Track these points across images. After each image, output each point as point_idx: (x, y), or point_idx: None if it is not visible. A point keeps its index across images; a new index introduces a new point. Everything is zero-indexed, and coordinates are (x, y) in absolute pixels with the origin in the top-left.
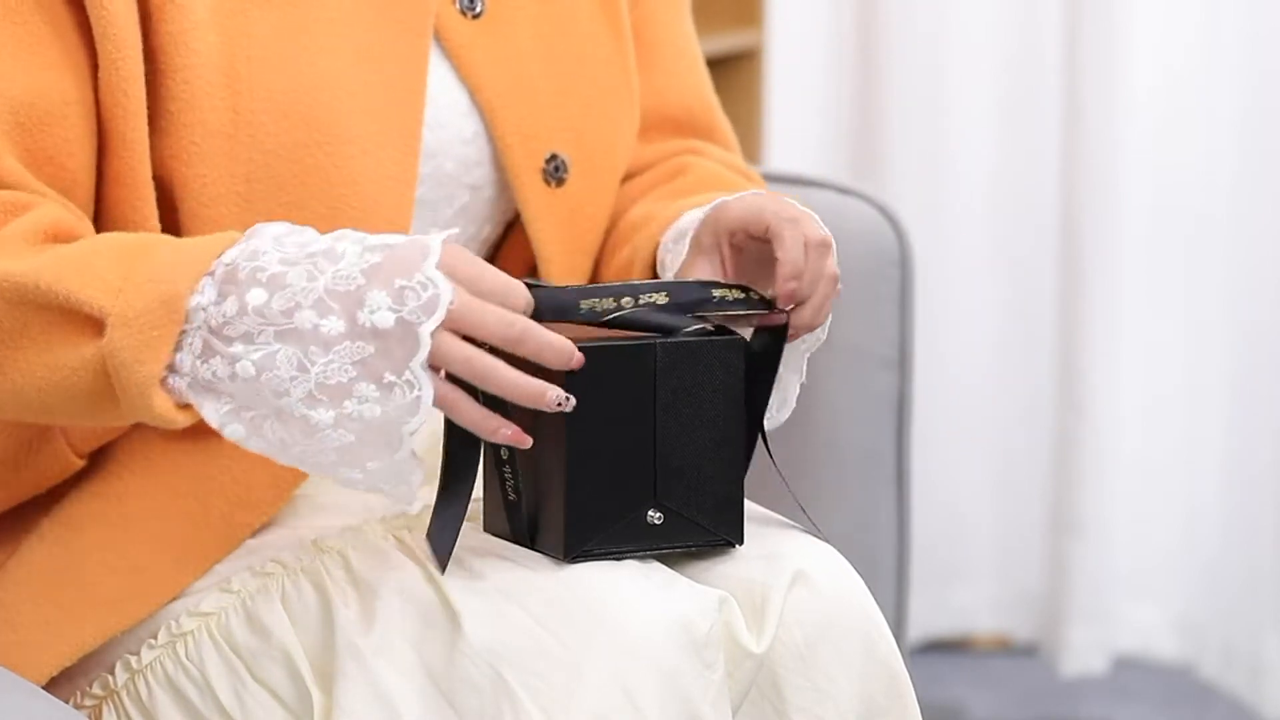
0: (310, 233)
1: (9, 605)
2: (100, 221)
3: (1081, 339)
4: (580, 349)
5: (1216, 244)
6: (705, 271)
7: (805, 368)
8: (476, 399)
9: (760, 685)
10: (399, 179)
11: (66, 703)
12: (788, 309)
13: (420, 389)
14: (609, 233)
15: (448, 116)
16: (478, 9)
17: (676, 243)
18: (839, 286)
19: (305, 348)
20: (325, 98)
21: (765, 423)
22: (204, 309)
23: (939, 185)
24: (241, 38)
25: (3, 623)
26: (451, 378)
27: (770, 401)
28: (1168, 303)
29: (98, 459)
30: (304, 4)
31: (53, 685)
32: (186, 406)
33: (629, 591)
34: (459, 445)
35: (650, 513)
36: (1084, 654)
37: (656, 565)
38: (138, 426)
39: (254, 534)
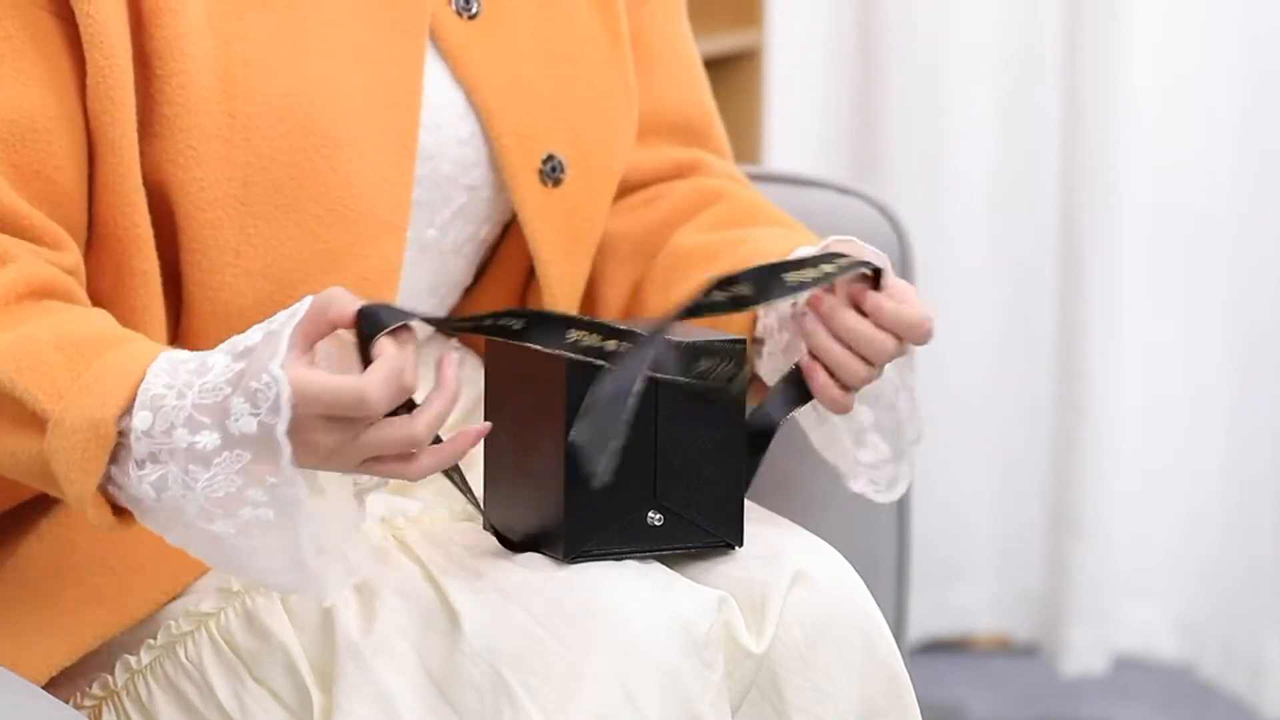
0: (187, 353)
1: (8, 605)
2: (92, 229)
3: (1081, 339)
4: (582, 364)
5: (1216, 244)
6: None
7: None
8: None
9: (760, 685)
10: (396, 181)
11: (66, 703)
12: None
13: (295, 486)
14: (650, 262)
15: (444, 118)
16: (474, 9)
17: (781, 329)
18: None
19: (185, 466)
20: (321, 101)
21: (911, 442)
22: (134, 431)
23: (939, 185)
24: (237, 41)
25: (2, 622)
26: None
27: (906, 424)
28: (1168, 303)
29: None
30: (299, 7)
31: (53, 685)
32: (127, 512)
33: (629, 592)
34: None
35: (650, 514)
36: (1084, 654)
37: (656, 565)
38: None
39: None
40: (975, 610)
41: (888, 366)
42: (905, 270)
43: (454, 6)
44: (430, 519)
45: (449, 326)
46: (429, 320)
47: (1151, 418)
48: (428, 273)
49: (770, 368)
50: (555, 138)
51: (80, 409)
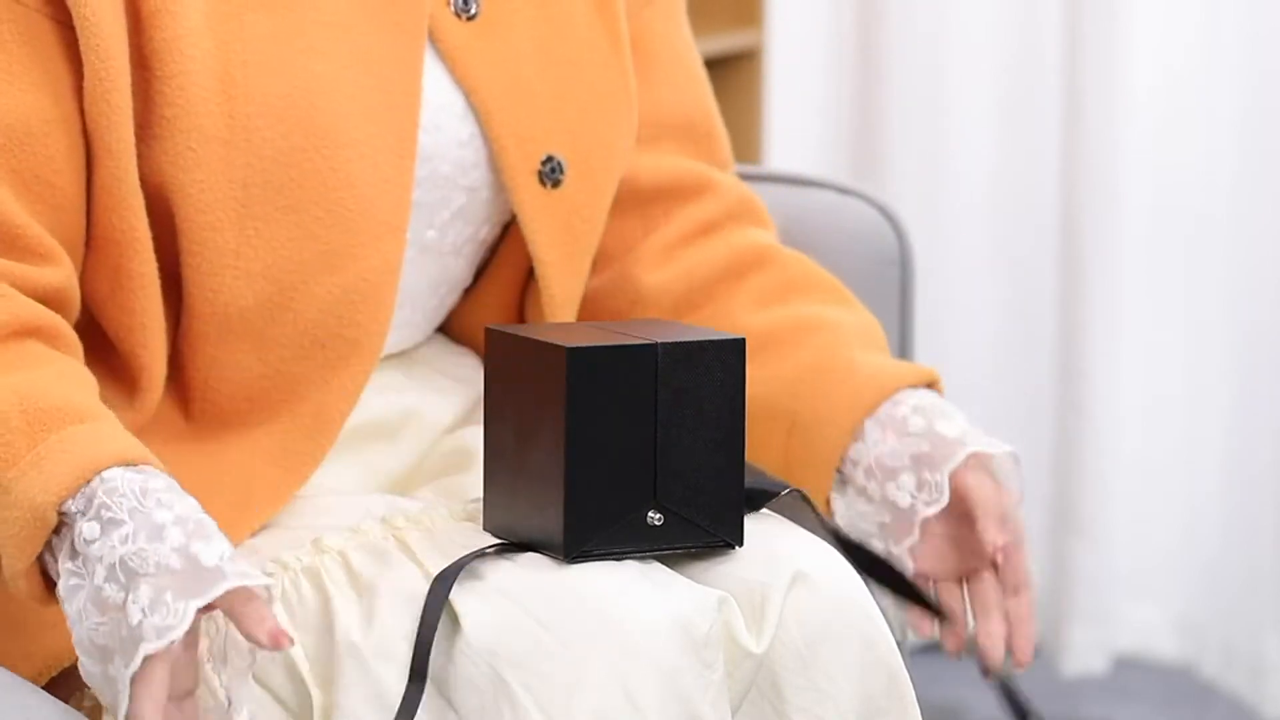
0: (174, 496)
1: (8, 605)
2: (89, 232)
3: (1081, 339)
4: (583, 349)
5: (1216, 244)
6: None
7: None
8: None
9: (760, 685)
10: (395, 182)
11: (66, 702)
12: None
13: (122, 691)
14: (694, 318)
15: (443, 119)
16: (472, 11)
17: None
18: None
19: (85, 604)
20: (321, 102)
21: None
22: (74, 519)
23: (939, 185)
24: (236, 43)
25: (2, 622)
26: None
27: None
28: (1168, 303)
29: None
30: (298, 8)
31: (53, 685)
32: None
33: (629, 591)
34: None
35: (650, 513)
36: (1084, 654)
37: (656, 565)
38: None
39: (254, 534)
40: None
41: None
42: (905, 270)
43: (453, 8)
44: (430, 519)
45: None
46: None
47: (1151, 418)
48: (427, 273)
49: (846, 507)
50: (554, 139)
51: (25, 485)
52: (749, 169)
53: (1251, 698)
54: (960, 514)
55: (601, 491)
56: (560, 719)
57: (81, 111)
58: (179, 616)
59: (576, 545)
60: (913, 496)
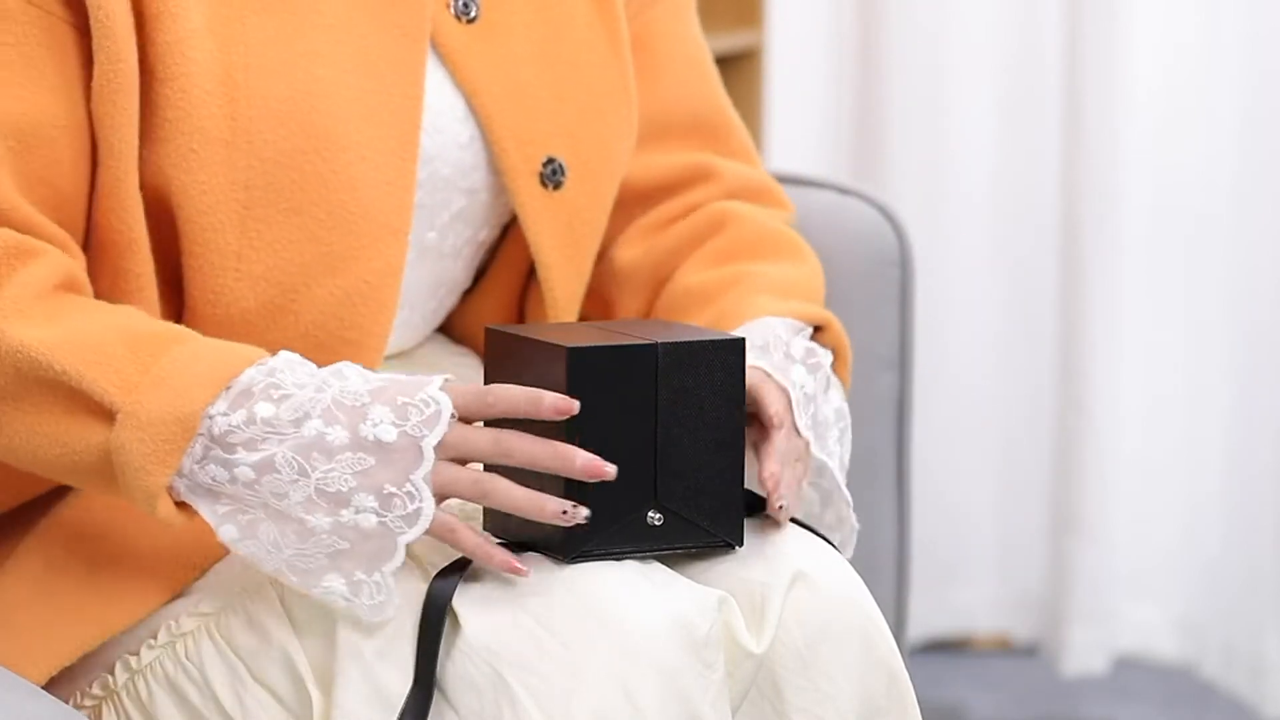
0: (312, 364)
1: (8, 605)
2: (88, 233)
3: (1082, 339)
4: (583, 350)
5: (1217, 244)
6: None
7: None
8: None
9: (760, 685)
10: (397, 184)
11: (66, 703)
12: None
13: (421, 501)
14: (658, 292)
15: (444, 121)
16: (472, 13)
17: None
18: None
19: (308, 454)
20: (323, 104)
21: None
22: (211, 418)
23: (939, 185)
24: (238, 45)
25: (3, 622)
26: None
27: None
28: (1168, 303)
29: None
30: (300, 10)
31: (53, 685)
32: (185, 505)
33: (629, 592)
34: None
35: (650, 514)
36: (1084, 654)
37: (656, 565)
38: None
39: None
40: (975, 610)
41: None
42: (905, 270)
43: (453, 10)
44: None
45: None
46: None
47: (1152, 418)
48: (427, 275)
49: None
50: (555, 141)
51: (158, 402)
52: None
53: (1251, 698)
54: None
55: (601, 492)
56: (560, 719)
57: (90, 115)
58: (430, 402)
59: (576, 545)
60: None
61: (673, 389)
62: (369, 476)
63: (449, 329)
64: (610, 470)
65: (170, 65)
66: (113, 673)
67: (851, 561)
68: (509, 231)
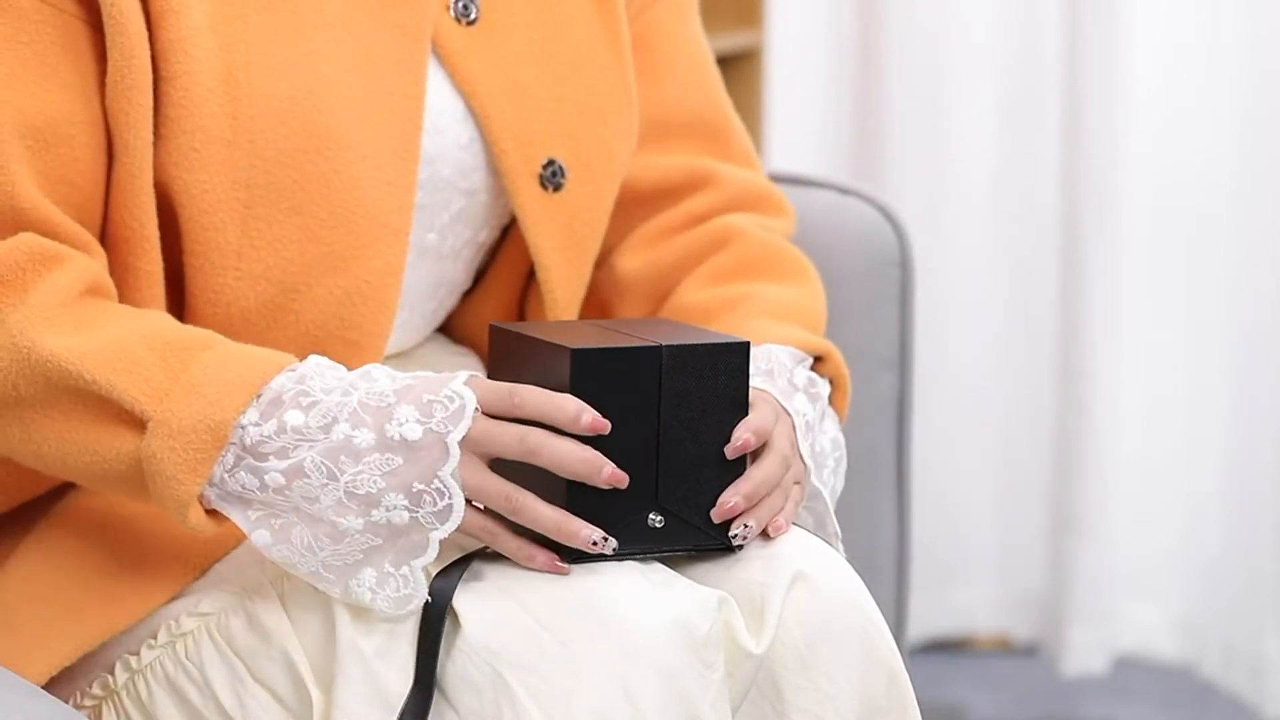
0: (342, 367)
1: (9, 605)
2: (101, 231)
3: (1082, 339)
4: (587, 351)
5: (1217, 244)
6: None
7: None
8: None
9: (760, 685)
10: (398, 184)
11: (66, 703)
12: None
13: (451, 497)
14: (659, 306)
15: (444, 122)
16: (472, 15)
17: None
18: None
19: (336, 458)
20: (324, 104)
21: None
22: (243, 428)
23: (939, 185)
24: (240, 44)
25: (2, 622)
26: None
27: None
28: (1168, 303)
29: None
30: (302, 10)
31: (53, 685)
32: (215, 512)
33: (629, 592)
34: None
35: (651, 515)
36: (1084, 654)
37: (656, 566)
38: None
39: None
40: (975, 610)
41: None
42: (905, 270)
43: (453, 12)
44: None
45: None
46: None
47: (1152, 418)
48: (427, 276)
49: None
50: (555, 143)
51: (190, 410)
52: None
53: (1252, 698)
54: None
55: (602, 493)
56: (560, 719)
57: (105, 111)
58: (454, 398)
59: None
60: None
61: (676, 391)
62: (397, 476)
63: (449, 329)
64: (625, 479)
65: (173, 64)
66: (113, 672)
67: (851, 562)
68: (509, 232)
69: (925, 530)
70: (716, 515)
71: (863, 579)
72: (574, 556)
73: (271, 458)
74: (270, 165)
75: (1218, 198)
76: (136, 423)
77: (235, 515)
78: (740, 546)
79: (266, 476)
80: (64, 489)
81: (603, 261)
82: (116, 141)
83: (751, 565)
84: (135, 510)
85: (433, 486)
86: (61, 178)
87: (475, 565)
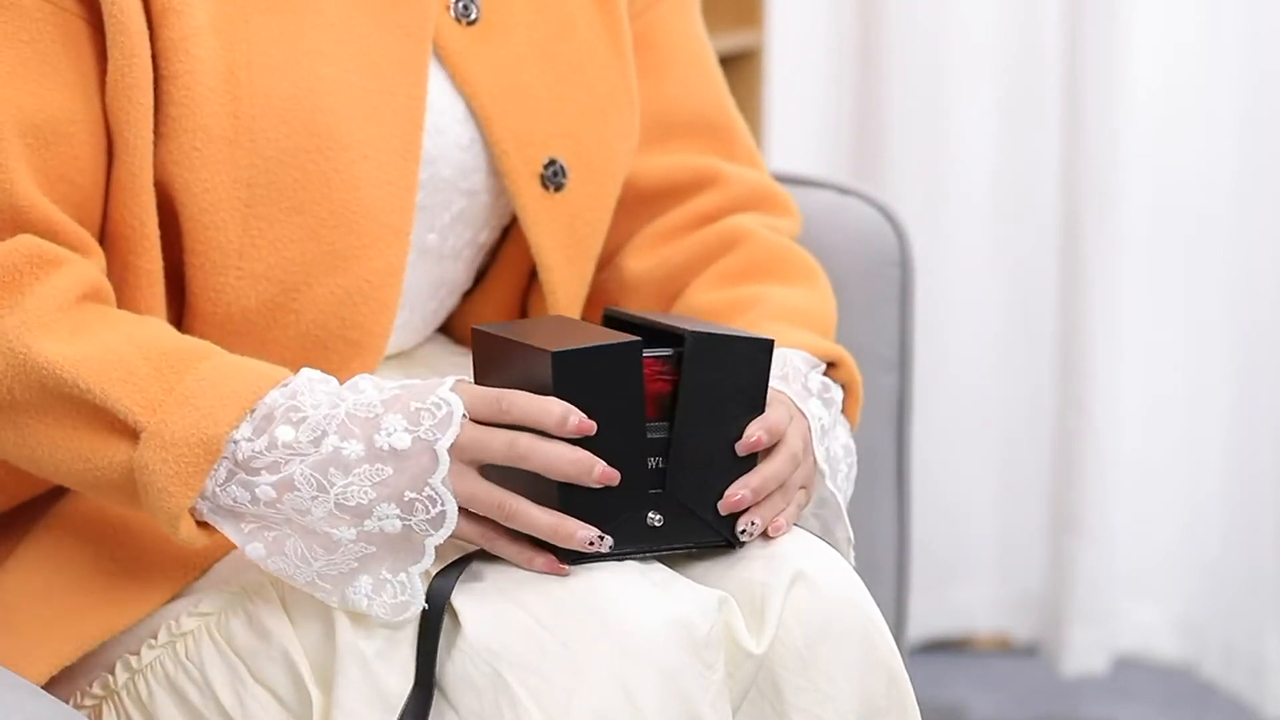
0: (334, 380)
1: (9, 605)
2: (101, 229)
3: (1082, 339)
4: (567, 353)
5: (1217, 244)
6: None
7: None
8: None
9: (760, 686)
10: (399, 184)
11: (66, 703)
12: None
13: (444, 504)
14: (667, 307)
15: (445, 123)
16: (473, 16)
17: None
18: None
19: (325, 470)
20: (326, 103)
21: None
22: (235, 443)
23: (939, 185)
24: (241, 44)
25: (3, 622)
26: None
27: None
28: (1168, 303)
29: None
30: (303, 10)
31: (53, 685)
32: (207, 524)
33: (629, 592)
34: None
35: (650, 514)
36: (1084, 654)
37: (656, 565)
38: None
39: None
40: (975, 610)
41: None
42: (905, 270)
43: (453, 13)
44: None
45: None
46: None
47: (1152, 418)
48: (427, 276)
49: None
50: (556, 143)
51: (183, 422)
52: None
53: (1252, 698)
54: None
55: (595, 492)
56: (560, 719)
57: (105, 110)
58: (441, 405)
59: None
60: None
61: (697, 380)
62: (388, 485)
63: (450, 330)
64: (616, 476)
65: (174, 63)
66: (113, 672)
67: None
68: (510, 233)
69: (925, 530)
70: (723, 507)
71: (863, 579)
72: (573, 558)
73: (263, 472)
74: (271, 164)
75: (1218, 198)
76: (130, 432)
77: (228, 529)
78: (743, 543)
79: (258, 490)
80: (64, 490)
81: (609, 262)
82: (117, 140)
83: (752, 565)
84: (134, 512)
85: (424, 494)
86: (61, 176)
87: (474, 566)
